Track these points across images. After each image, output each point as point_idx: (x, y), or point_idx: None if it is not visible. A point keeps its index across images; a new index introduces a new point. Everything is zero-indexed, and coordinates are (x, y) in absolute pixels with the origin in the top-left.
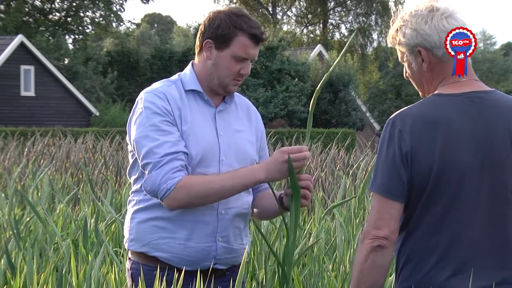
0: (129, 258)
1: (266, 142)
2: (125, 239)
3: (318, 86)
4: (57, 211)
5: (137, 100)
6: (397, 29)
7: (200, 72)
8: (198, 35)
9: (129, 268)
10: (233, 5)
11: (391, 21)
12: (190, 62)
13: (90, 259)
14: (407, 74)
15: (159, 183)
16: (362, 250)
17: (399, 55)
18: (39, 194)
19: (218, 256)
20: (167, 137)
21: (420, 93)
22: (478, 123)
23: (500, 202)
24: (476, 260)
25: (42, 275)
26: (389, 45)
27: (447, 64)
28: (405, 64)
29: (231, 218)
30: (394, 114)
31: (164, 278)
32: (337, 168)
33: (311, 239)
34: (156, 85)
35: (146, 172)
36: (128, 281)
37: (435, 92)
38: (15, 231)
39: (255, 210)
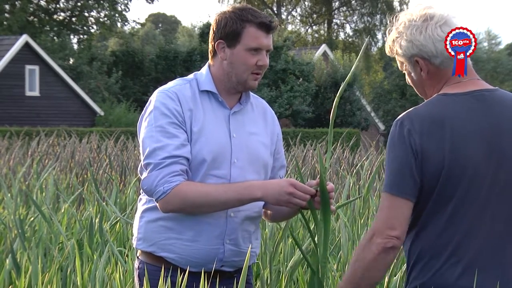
0: (138, 257)
1: (282, 146)
2: (133, 238)
3: (337, 96)
4: (62, 211)
5: (150, 99)
6: (393, 40)
7: (216, 73)
8: (210, 39)
9: (136, 268)
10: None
11: (387, 31)
12: (207, 63)
13: (94, 259)
14: (408, 81)
15: (157, 184)
16: (372, 249)
17: (399, 64)
18: (44, 194)
19: (225, 258)
20: (171, 140)
21: (424, 99)
22: (485, 120)
23: (508, 199)
24: (487, 257)
25: (47, 275)
26: (388, 54)
27: (446, 70)
28: (405, 73)
29: (241, 221)
30: (401, 115)
31: (169, 278)
32: (342, 168)
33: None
34: (170, 84)
35: (147, 172)
36: (136, 280)
37: (440, 92)
38: (20, 230)
39: (268, 212)
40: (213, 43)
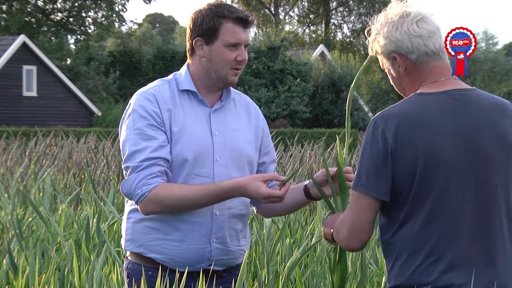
0: (126, 258)
1: (270, 140)
2: (122, 239)
3: (351, 87)
4: (59, 211)
5: (129, 101)
6: (373, 39)
7: (194, 72)
8: (187, 38)
9: (125, 268)
10: (235, 6)
11: (366, 32)
12: (186, 63)
13: (92, 259)
14: (390, 80)
15: (135, 187)
16: (341, 243)
17: (381, 63)
18: (41, 194)
19: (213, 257)
20: (149, 142)
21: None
22: (462, 119)
23: (486, 197)
24: (465, 255)
25: (44, 275)
26: (370, 54)
27: (422, 68)
28: (387, 72)
29: (227, 219)
30: (376, 115)
31: (164, 278)
32: None
33: (313, 239)
34: (149, 86)
35: (126, 175)
36: (126, 280)
37: (417, 91)
38: (17, 231)
39: (262, 207)
40: (190, 41)
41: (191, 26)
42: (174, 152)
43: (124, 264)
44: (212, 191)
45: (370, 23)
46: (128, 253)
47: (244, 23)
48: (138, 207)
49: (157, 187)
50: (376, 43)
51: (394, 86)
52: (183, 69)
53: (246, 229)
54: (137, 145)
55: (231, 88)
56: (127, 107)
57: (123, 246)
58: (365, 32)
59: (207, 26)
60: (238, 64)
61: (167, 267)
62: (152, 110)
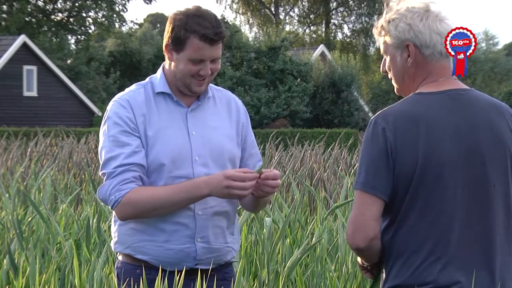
0: (117, 258)
1: (252, 133)
2: (112, 241)
3: None
4: (60, 211)
5: (106, 108)
6: (390, 21)
7: (168, 74)
8: (164, 38)
9: (116, 267)
10: (235, 6)
11: (384, 12)
12: (161, 65)
13: (92, 259)
14: (386, 67)
15: (109, 193)
16: (352, 247)
17: (383, 47)
18: (42, 194)
19: (199, 257)
20: (123, 149)
21: (395, 88)
22: (460, 118)
23: (485, 196)
24: (465, 254)
25: (45, 275)
26: (375, 35)
27: (431, 65)
28: (388, 57)
29: (209, 217)
30: (376, 114)
31: (163, 279)
32: (340, 168)
33: (313, 239)
34: (125, 91)
35: (103, 182)
36: (115, 280)
37: (416, 91)
38: (18, 231)
39: (239, 201)
40: (164, 43)
41: (166, 28)
42: (151, 156)
43: (115, 264)
44: (182, 186)
45: (386, 6)
46: (118, 253)
47: (211, 41)
48: (114, 213)
49: (129, 192)
50: (392, 26)
51: (392, 75)
52: (159, 72)
53: (233, 226)
54: (111, 152)
55: (212, 85)
56: (105, 114)
57: (113, 249)
58: (384, 12)
59: (176, 35)
60: (201, 77)
61: (156, 267)
62: (125, 116)
